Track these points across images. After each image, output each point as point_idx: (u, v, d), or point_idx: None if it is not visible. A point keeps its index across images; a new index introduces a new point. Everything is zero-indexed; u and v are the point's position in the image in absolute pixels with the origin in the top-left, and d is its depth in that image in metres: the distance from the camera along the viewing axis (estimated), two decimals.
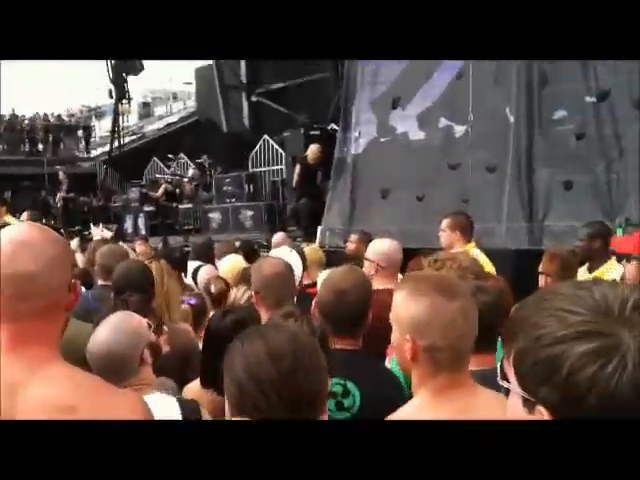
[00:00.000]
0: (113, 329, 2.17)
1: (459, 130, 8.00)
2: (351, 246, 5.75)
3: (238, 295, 3.69)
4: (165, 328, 2.91)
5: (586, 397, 0.85)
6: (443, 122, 8.24)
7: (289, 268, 3.17)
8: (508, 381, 0.99)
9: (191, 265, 5.37)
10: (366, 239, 5.03)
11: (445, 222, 4.59)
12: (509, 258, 5.79)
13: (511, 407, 0.98)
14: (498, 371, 1.03)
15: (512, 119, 7.28)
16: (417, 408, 1.74)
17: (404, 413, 1.76)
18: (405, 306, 1.74)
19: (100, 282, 3.96)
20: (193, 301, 4.12)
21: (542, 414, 0.91)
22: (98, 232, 7.34)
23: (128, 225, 14.40)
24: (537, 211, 6.90)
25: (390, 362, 2.71)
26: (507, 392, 1.00)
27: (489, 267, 4.07)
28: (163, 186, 14.31)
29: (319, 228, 9.09)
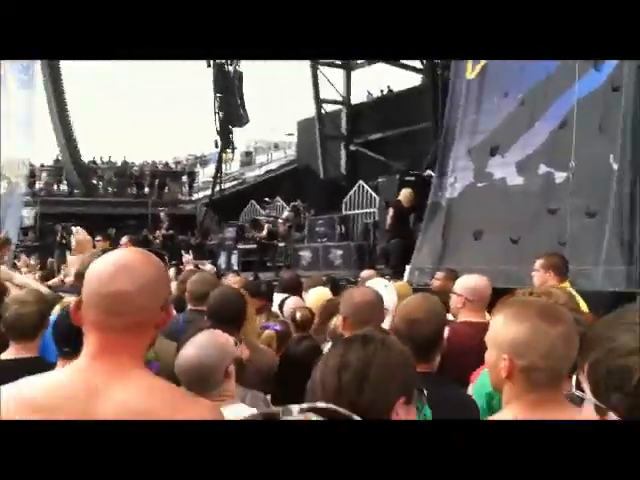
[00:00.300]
0: (204, 344, 2.35)
1: (559, 176, 7.89)
2: (437, 282, 5.80)
3: (337, 323, 3.77)
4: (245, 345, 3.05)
5: None
6: (543, 169, 8.18)
7: (379, 298, 3.17)
8: (583, 391, 1.05)
9: (278, 297, 5.51)
10: (452, 276, 5.06)
11: (539, 262, 4.54)
12: (605, 299, 5.57)
13: (584, 414, 1.03)
14: (573, 382, 1.13)
15: (616, 166, 7.08)
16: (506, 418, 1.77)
17: None
18: (505, 327, 1.78)
19: (190, 307, 4.20)
20: (278, 327, 4.38)
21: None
22: (189, 259, 7.61)
23: (222, 261, 15.01)
24: (637, 254, 6.66)
25: (472, 388, 2.75)
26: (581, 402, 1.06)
27: (583, 307, 3.93)
28: (266, 226, 14.90)
29: (408, 267, 9.07)
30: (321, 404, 1.03)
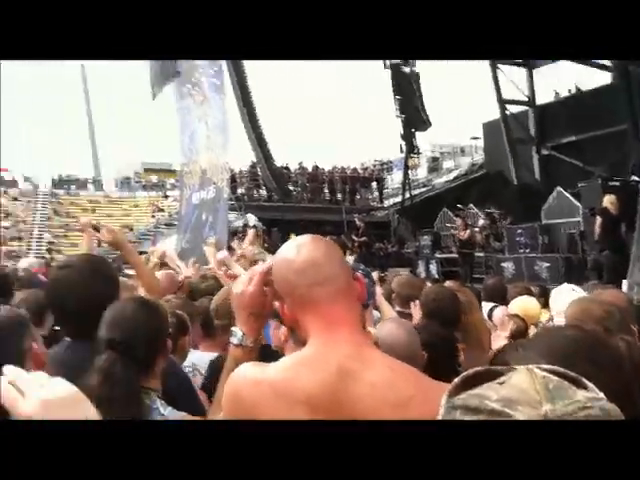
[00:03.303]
0: (402, 326, 2.49)
1: None
2: None
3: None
4: None
5: None
6: None
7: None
8: None
9: (486, 306, 5.57)
10: None
11: None
12: None
13: None
14: None
15: None
16: None
17: None
18: None
19: (398, 309, 4.18)
20: None
21: None
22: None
23: (421, 270, 15.11)
24: None
25: None
26: None
27: None
28: (469, 231, 14.68)
29: (624, 282, 8.74)
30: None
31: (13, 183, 39.57)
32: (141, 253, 6.00)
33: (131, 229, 34.70)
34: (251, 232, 7.93)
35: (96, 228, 3.45)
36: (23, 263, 6.75)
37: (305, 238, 1.47)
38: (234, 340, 1.68)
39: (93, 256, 2.61)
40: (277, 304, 1.52)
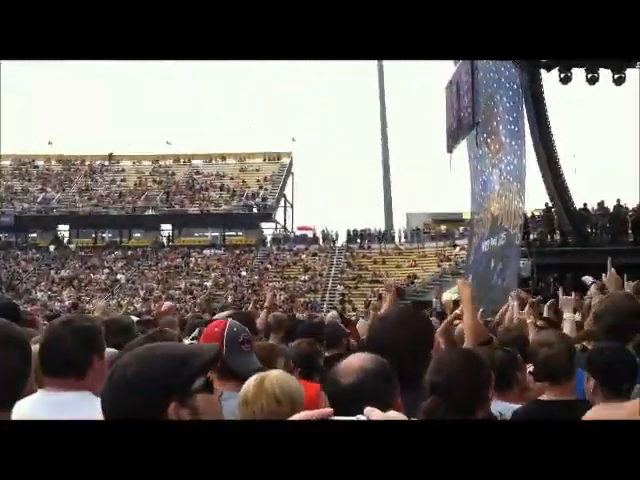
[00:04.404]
0: None
1: None
2: None
3: None
4: None
5: None
6: None
7: None
8: None
9: None
10: None
11: None
12: None
13: None
14: None
15: None
16: None
17: None
18: None
19: None
20: None
21: None
22: None
23: None
24: None
25: None
26: None
27: None
28: None
29: None
30: None
31: (315, 240, 43.07)
32: (425, 303, 6.06)
33: (416, 277, 35.39)
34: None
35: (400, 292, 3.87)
36: (329, 317, 6.99)
37: None
38: None
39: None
40: None
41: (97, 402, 1.44)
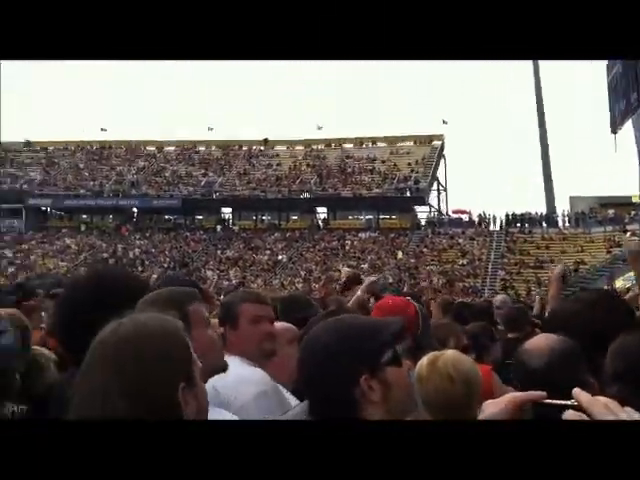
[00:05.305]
0: None
1: None
2: None
3: None
4: None
5: None
6: None
7: None
8: None
9: None
10: None
11: None
12: None
13: None
14: None
15: None
16: None
17: None
18: None
19: None
20: None
21: None
22: None
23: None
24: None
25: None
26: None
27: None
28: None
29: None
30: None
31: (471, 224, 42.51)
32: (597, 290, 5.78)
33: (584, 264, 34.03)
34: None
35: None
36: (497, 301, 6.94)
37: None
38: None
39: None
40: None
41: None
